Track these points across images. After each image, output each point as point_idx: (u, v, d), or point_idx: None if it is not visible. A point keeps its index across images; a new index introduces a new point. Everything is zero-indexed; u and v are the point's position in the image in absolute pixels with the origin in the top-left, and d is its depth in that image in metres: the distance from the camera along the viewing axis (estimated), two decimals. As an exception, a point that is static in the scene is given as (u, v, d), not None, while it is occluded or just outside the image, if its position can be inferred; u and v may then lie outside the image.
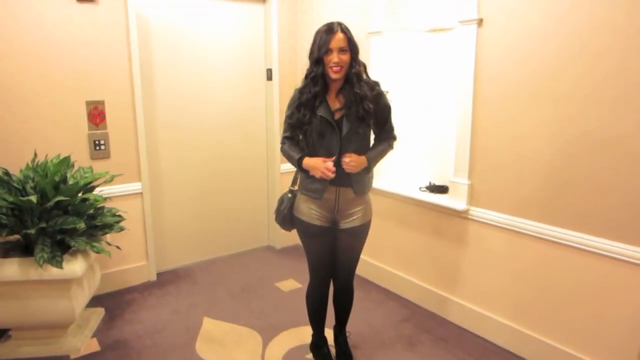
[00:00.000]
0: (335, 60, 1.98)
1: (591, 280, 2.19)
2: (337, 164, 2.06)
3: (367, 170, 2.16)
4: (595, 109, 2.08)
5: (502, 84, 2.43)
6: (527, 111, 2.34)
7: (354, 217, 2.20)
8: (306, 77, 2.09)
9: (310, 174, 2.11)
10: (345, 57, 2.00)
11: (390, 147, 2.25)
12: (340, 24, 2.03)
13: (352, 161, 2.05)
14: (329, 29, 2.00)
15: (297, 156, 2.17)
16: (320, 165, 2.04)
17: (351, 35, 2.03)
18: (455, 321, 2.87)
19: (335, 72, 2.00)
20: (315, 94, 2.06)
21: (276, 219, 2.35)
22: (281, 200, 2.30)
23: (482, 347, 2.62)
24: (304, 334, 2.68)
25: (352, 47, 2.02)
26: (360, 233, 2.25)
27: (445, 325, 2.86)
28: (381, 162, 2.28)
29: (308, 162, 2.11)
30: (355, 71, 2.05)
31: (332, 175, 2.02)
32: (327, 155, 2.08)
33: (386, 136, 2.24)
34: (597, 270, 2.16)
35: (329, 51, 1.98)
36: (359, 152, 2.10)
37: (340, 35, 1.98)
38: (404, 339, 2.71)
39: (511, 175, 2.45)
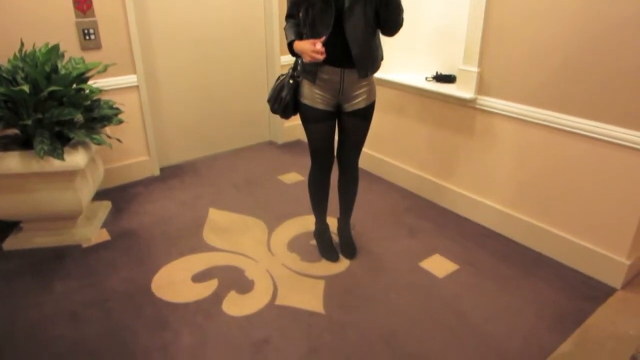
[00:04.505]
0: None
1: (597, 167, 2.18)
2: (332, 43, 1.92)
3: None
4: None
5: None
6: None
7: (359, 99, 2.13)
8: None
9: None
10: None
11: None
12: None
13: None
14: None
15: (288, 40, 2.06)
16: (308, 49, 1.91)
17: None
18: (455, 210, 2.93)
19: None
20: None
21: (274, 107, 2.22)
22: (281, 87, 2.18)
23: (481, 234, 2.70)
24: (308, 222, 2.75)
25: None
26: (365, 114, 2.19)
27: (446, 214, 2.93)
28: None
29: (297, 46, 2.00)
30: None
31: (321, 58, 1.89)
32: (325, 33, 1.93)
33: None
34: (607, 158, 2.14)
35: None
36: (360, 33, 1.95)
37: None
38: (405, 227, 2.79)
39: (524, 61, 2.33)
